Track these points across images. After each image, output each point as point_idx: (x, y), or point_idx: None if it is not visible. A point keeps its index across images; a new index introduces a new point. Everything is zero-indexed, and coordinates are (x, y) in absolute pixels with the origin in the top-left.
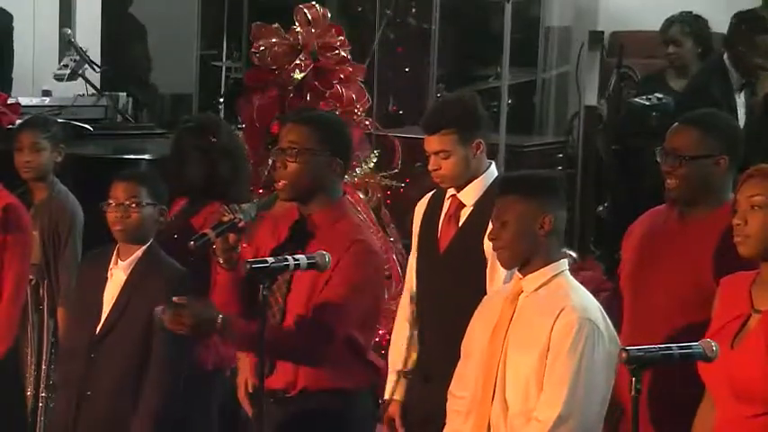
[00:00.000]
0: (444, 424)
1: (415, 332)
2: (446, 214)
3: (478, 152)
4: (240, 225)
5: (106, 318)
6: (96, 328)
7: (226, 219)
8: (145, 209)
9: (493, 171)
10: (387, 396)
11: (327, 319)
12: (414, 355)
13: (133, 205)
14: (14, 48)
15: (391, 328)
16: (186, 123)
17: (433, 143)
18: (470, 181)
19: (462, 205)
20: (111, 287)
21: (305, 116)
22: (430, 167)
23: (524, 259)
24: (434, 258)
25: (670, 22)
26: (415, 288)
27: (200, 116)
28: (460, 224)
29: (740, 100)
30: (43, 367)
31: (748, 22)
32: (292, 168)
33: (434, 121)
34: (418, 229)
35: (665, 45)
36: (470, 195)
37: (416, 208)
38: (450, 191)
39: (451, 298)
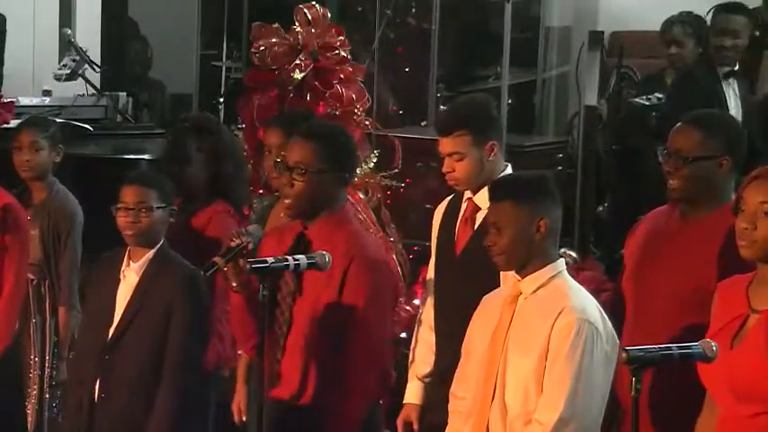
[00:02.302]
0: None
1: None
2: (462, 217)
3: (492, 154)
4: (248, 248)
5: (120, 320)
6: (109, 329)
7: (234, 244)
8: (155, 212)
9: (509, 173)
10: (406, 400)
11: (372, 350)
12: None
13: (143, 210)
14: (15, 48)
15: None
16: (184, 124)
17: (446, 145)
18: (486, 183)
19: (478, 208)
20: (123, 289)
21: (312, 132)
22: (444, 170)
23: (522, 263)
24: (451, 261)
25: (671, 22)
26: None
27: (200, 116)
28: (476, 227)
29: (729, 88)
30: (46, 367)
31: (723, 5)
32: (299, 188)
33: (448, 123)
34: (437, 232)
35: (667, 45)
36: (485, 198)
37: (435, 213)
38: (467, 193)
39: (467, 300)
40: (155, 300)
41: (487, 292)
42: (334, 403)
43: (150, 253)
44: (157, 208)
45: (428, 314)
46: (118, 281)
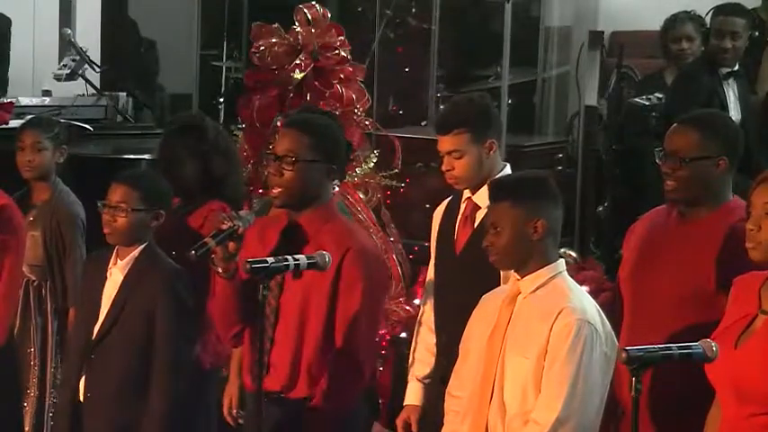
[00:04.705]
0: None
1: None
2: (462, 216)
3: (491, 152)
4: (239, 232)
5: (104, 318)
6: (95, 328)
7: (225, 226)
8: (133, 214)
9: (507, 172)
10: (406, 401)
11: (362, 339)
12: (433, 361)
13: (122, 210)
14: (14, 48)
15: (390, 329)
16: (172, 125)
17: (446, 143)
18: (485, 182)
19: (477, 207)
20: (109, 287)
21: (301, 122)
22: (443, 168)
23: (520, 263)
24: (451, 260)
25: (683, 18)
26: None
27: (186, 116)
28: (475, 226)
29: (729, 89)
30: (50, 368)
31: (723, 6)
32: (288, 176)
33: (447, 121)
34: (436, 234)
35: (677, 41)
36: (485, 197)
37: (434, 214)
38: (466, 193)
39: (467, 299)
40: (138, 298)
41: (488, 291)
42: (324, 393)
43: (136, 251)
44: (136, 210)
45: (428, 316)
46: (105, 279)
